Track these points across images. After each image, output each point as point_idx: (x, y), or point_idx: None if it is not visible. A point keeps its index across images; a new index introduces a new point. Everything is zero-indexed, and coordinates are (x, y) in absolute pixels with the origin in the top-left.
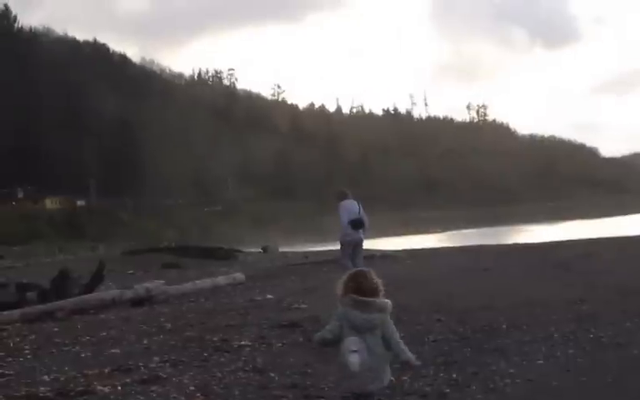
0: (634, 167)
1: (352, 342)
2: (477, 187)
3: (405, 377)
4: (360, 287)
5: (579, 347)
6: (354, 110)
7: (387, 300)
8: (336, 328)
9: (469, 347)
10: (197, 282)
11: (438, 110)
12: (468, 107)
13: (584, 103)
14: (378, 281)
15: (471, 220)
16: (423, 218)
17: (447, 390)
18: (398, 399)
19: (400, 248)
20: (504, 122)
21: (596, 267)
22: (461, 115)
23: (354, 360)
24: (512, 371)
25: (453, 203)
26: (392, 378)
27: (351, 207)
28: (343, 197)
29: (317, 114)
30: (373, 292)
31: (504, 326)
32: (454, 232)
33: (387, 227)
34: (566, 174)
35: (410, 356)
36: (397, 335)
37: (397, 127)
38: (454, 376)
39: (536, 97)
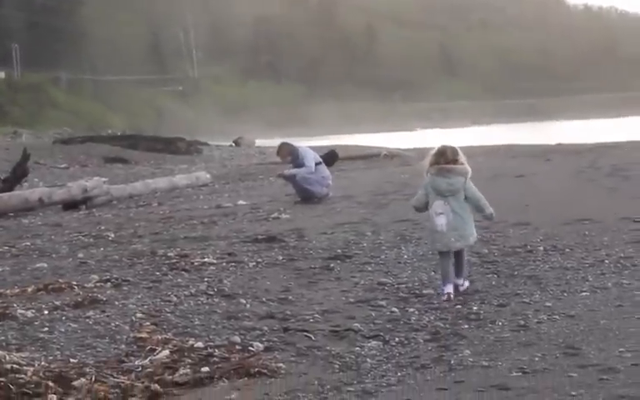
0: None
1: (438, 206)
2: (515, 72)
3: (412, 309)
4: (443, 157)
5: (637, 276)
6: None
7: (466, 166)
8: (422, 197)
9: (495, 274)
10: (150, 181)
11: None
12: None
13: None
14: (459, 152)
15: (505, 113)
16: (444, 109)
17: (465, 325)
18: (403, 336)
19: (411, 147)
20: None
21: None
22: None
23: (441, 221)
24: (548, 304)
25: (484, 91)
26: (477, 237)
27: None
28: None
29: None
30: (453, 160)
31: (541, 248)
32: (483, 127)
33: (397, 118)
34: (630, 57)
35: (492, 210)
36: (479, 193)
37: None
38: (474, 308)
39: None
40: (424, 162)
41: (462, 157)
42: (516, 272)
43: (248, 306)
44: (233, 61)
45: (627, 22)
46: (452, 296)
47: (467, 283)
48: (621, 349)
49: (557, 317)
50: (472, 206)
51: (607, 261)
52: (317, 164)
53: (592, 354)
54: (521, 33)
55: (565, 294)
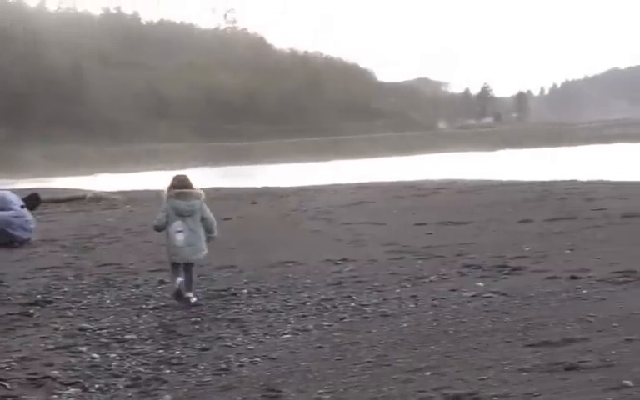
0: (419, 96)
1: (177, 225)
2: (223, 114)
3: (113, 354)
4: (179, 184)
5: (337, 318)
6: (63, 7)
7: (201, 190)
8: (163, 217)
9: (199, 317)
10: None
11: (175, 14)
12: (214, 12)
13: (358, 16)
14: (190, 179)
15: (214, 155)
16: (153, 151)
17: (167, 370)
18: (103, 382)
19: (117, 189)
20: (258, 33)
21: (365, 219)
22: (205, 22)
23: (180, 238)
24: (251, 347)
25: (193, 134)
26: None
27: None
28: None
29: (12, 10)
30: (189, 185)
31: (245, 290)
32: (191, 169)
33: (101, 160)
34: (335, 100)
35: (217, 234)
36: (212, 215)
37: (121, 33)
38: (177, 353)
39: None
40: (164, 189)
41: (193, 183)
42: (219, 316)
43: None
44: None
45: (333, 66)
46: (183, 284)
47: (195, 298)
48: (320, 390)
49: (258, 359)
50: (204, 226)
51: (309, 303)
52: (20, 208)
53: (292, 396)
54: (228, 75)
55: (267, 337)
